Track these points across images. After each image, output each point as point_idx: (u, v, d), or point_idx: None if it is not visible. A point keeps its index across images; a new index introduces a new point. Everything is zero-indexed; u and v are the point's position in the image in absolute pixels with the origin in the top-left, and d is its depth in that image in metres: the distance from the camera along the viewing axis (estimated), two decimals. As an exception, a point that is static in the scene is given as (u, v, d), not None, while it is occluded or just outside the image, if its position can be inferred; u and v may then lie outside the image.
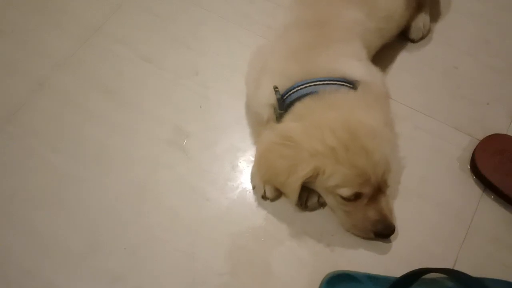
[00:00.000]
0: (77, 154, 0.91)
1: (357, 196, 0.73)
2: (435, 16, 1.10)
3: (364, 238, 0.80)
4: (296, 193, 0.73)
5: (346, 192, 0.72)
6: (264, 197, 0.85)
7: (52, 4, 1.12)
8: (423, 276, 0.72)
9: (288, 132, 0.73)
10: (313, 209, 0.84)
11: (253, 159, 0.89)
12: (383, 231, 0.76)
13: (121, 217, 0.85)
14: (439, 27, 1.09)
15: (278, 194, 0.85)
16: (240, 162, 0.91)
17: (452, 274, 0.68)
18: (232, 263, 0.80)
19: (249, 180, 0.88)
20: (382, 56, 0.99)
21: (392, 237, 0.80)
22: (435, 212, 0.85)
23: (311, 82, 0.76)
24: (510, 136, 0.92)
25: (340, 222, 0.81)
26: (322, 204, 0.84)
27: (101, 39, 1.06)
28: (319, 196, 0.81)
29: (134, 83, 1.00)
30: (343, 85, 0.77)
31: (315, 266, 0.80)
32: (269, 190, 0.84)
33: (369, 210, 0.75)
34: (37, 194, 0.86)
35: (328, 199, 0.78)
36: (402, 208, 0.85)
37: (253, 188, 0.87)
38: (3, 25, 1.08)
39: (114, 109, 0.96)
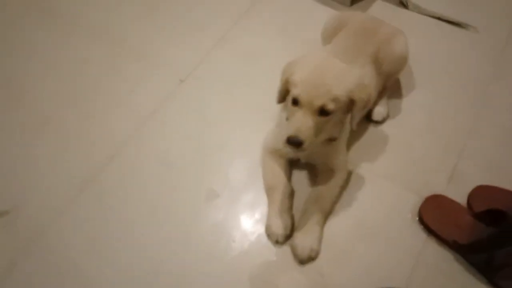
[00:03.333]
0: (141, 209, 1.26)
1: (296, 102, 1.05)
2: (391, 105, 1.47)
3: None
4: (280, 91, 1.13)
5: (294, 91, 1.05)
6: (277, 242, 1.19)
7: (113, 98, 1.51)
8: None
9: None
10: None
11: (265, 212, 1.26)
12: (289, 140, 1.04)
13: (172, 253, 1.19)
14: (395, 113, 1.47)
15: (287, 239, 1.19)
16: (256, 215, 1.26)
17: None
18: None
19: (263, 227, 1.23)
20: (353, 134, 1.36)
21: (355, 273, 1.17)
22: (389, 251, 1.20)
23: None
24: (445, 196, 1.27)
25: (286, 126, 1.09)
26: None
27: (156, 123, 1.44)
28: None
29: (179, 156, 1.37)
30: None
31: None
32: (281, 237, 1.18)
33: (295, 120, 1.05)
34: (114, 237, 1.22)
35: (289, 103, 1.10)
36: (363, 248, 1.20)
37: (268, 236, 1.21)
38: (82, 113, 1.46)
39: (166, 175, 1.33)
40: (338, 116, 1.10)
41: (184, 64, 1.58)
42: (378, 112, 1.44)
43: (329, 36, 1.43)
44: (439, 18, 1.75)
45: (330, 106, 1.04)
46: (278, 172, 1.26)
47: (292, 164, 1.31)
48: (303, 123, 1.04)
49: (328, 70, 1.06)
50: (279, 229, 1.20)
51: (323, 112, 1.05)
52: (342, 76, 1.06)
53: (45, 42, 1.63)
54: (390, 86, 1.48)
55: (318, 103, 1.04)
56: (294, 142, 1.03)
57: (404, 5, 1.78)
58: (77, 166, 1.34)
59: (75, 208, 1.26)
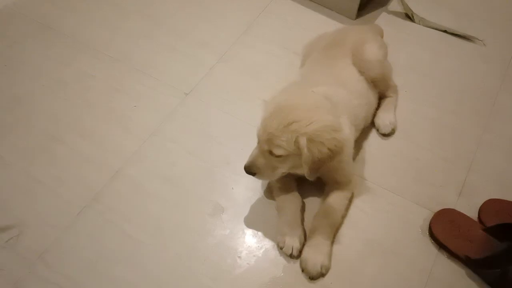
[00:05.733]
0: (145, 225, 1.25)
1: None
2: (398, 119, 1.46)
3: None
4: None
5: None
6: (291, 255, 1.17)
7: (117, 114, 1.50)
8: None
9: None
10: None
11: (272, 227, 1.24)
12: (244, 169, 1.13)
13: (178, 270, 1.17)
14: (403, 127, 1.46)
15: (300, 253, 1.17)
16: (263, 229, 1.24)
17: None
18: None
19: (270, 242, 1.21)
20: (361, 147, 1.39)
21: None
22: (399, 265, 1.18)
23: None
24: (456, 210, 1.26)
25: None
26: None
27: (159, 138, 1.44)
28: None
29: (184, 171, 1.36)
30: None
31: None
32: (295, 250, 1.16)
33: (252, 153, 1.13)
34: (118, 253, 1.20)
35: None
36: (373, 263, 1.19)
37: (281, 249, 1.18)
38: (85, 130, 1.46)
39: (170, 191, 1.32)
40: (297, 157, 1.07)
41: (187, 80, 1.58)
42: (384, 125, 1.43)
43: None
44: (445, 31, 1.75)
45: (277, 151, 1.06)
46: (288, 185, 1.25)
47: (299, 179, 1.29)
48: (256, 158, 1.11)
49: (284, 115, 1.04)
50: (294, 242, 1.17)
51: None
52: (296, 123, 1.03)
53: (48, 61, 1.63)
54: (392, 97, 1.47)
55: (265, 147, 1.07)
56: (247, 172, 1.12)
57: (410, 18, 1.78)
58: (80, 184, 1.33)
59: (78, 226, 1.25)
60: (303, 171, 1.10)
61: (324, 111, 1.08)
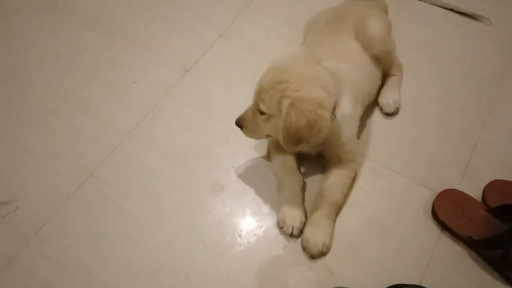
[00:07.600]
0: (144, 202, 1.23)
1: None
2: (402, 99, 1.44)
3: None
4: None
5: None
6: (291, 234, 1.15)
7: (116, 89, 1.47)
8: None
9: None
10: None
11: (273, 205, 1.22)
12: (235, 120, 1.17)
13: (177, 247, 1.16)
14: (407, 107, 1.43)
15: (301, 232, 1.16)
16: (263, 208, 1.23)
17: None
18: (258, 282, 1.11)
19: (270, 220, 1.20)
20: (365, 126, 1.36)
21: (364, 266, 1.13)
22: (401, 246, 1.17)
23: None
24: (459, 190, 1.24)
25: None
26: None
27: (158, 114, 1.41)
28: None
29: (184, 149, 1.33)
30: None
31: (319, 284, 1.11)
32: (296, 229, 1.14)
33: (247, 107, 1.16)
34: (116, 230, 1.19)
35: None
36: (375, 243, 1.17)
37: (281, 228, 1.17)
38: (82, 104, 1.43)
39: (169, 168, 1.29)
40: (279, 121, 1.06)
41: (187, 55, 1.54)
42: (388, 104, 1.40)
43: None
44: (452, 9, 1.70)
45: (261, 107, 1.08)
46: (289, 164, 1.23)
47: (301, 158, 1.27)
48: (246, 112, 1.15)
49: (279, 73, 1.06)
50: (295, 221, 1.16)
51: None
52: (286, 84, 1.04)
53: (43, 32, 1.59)
54: (397, 75, 1.44)
55: (254, 98, 1.10)
56: (236, 124, 1.17)
57: (416, -5, 1.74)
58: (78, 159, 1.30)
59: (75, 202, 1.23)
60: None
61: (319, 85, 1.05)
